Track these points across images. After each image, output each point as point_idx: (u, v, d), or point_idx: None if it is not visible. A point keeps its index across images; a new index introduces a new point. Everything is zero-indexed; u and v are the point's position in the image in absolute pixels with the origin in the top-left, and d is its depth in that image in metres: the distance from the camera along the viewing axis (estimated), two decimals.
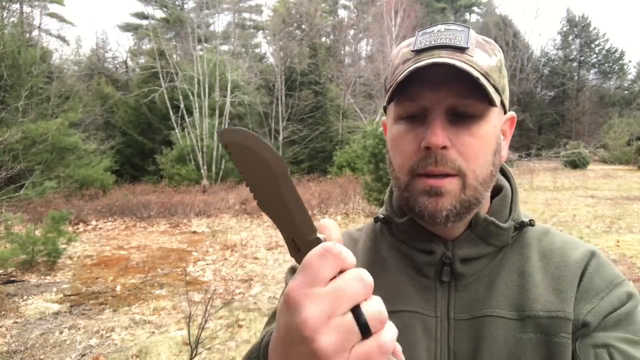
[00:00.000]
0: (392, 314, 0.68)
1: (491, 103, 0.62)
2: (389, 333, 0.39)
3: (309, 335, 0.37)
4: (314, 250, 0.39)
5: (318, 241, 0.41)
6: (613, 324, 0.62)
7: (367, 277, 0.39)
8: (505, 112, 0.71)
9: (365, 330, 0.38)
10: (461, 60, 0.62)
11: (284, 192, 0.41)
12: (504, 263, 0.69)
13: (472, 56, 0.63)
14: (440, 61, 0.60)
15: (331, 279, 0.39)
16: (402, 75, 0.62)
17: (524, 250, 0.70)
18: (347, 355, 0.37)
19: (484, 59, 0.64)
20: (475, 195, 0.65)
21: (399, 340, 0.67)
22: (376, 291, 0.69)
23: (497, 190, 0.72)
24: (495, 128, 0.66)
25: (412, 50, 0.66)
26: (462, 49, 0.63)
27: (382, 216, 0.77)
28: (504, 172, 0.76)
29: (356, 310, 0.38)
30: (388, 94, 0.64)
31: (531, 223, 0.71)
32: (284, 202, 0.42)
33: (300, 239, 0.42)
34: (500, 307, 0.65)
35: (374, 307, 0.39)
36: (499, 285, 0.67)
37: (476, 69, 0.62)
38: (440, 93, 0.62)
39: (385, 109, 0.76)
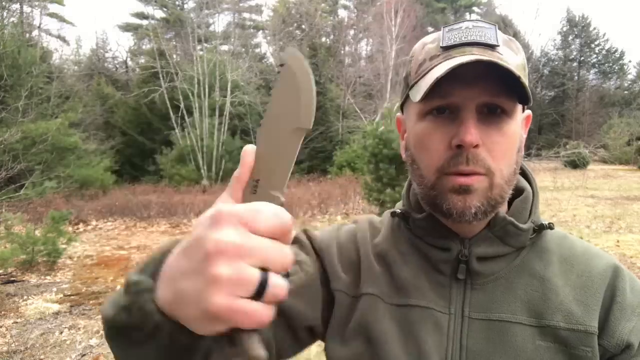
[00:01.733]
0: (405, 307, 0.70)
1: (523, 101, 0.62)
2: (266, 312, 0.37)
3: (212, 254, 0.35)
4: (273, 206, 0.38)
5: (279, 200, 0.40)
6: None
7: (289, 255, 0.38)
8: (523, 111, 0.70)
9: (259, 293, 0.36)
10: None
11: (288, 141, 0.40)
12: (523, 266, 0.69)
13: (502, 54, 0.62)
14: (484, 58, 0.58)
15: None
16: (441, 70, 0.59)
17: (544, 255, 0.70)
18: (228, 299, 0.35)
19: (512, 57, 0.64)
20: (501, 194, 0.65)
21: (409, 334, 0.69)
22: (393, 284, 0.72)
23: (518, 192, 0.72)
24: (519, 126, 0.66)
25: (441, 47, 0.64)
26: (492, 47, 0.62)
27: (400, 211, 0.76)
28: (524, 174, 0.75)
29: (265, 274, 0.36)
30: (422, 92, 0.61)
31: (550, 226, 0.70)
32: (281, 147, 0.40)
33: (265, 185, 0.40)
34: (518, 313, 0.65)
35: (281, 282, 0.37)
36: (517, 289, 0.67)
37: None
38: (472, 90, 0.61)
39: (402, 105, 0.75)
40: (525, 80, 0.61)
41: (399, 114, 0.77)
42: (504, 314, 0.65)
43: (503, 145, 0.63)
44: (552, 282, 0.66)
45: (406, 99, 0.71)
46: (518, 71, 0.62)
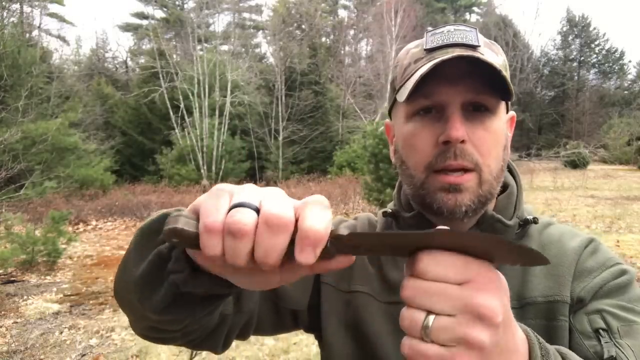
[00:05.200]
0: (397, 305, 0.68)
1: (506, 97, 0.63)
2: None
3: None
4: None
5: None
6: (606, 293, 0.64)
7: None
8: (507, 111, 0.72)
9: None
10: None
11: None
12: None
13: (483, 54, 0.64)
14: (465, 54, 0.60)
15: None
16: (424, 69, 0.61)
17: (526, 242, 0.72)
18: None
19: (493, 57, 0.66)
20: (490, 190, 0.66)
21: (401, 330, 0.68)
22: (384, 284, 0.74)
23: (503, 187, 0.73)
24: (504, 124, 0.68)
25: (425, 49, 0.66)
26: (474, 47, 0.65)
27: (391, 210, 0.78)
28: (509, 169, 0.78)
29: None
30: (407, 91, 0.62)
31: (535, 221, 0.72)
32: None
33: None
34: None
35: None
36: None
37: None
38: (457, 88, 0.63)
39: (390, 110, 0.77)
40: (507, 75, 0.63)
41: (387, 120, 0.79)
42: None
43: (489, 141, 0.65)
44: (531, 268, 0.69)
45: (394, 103, 0.73)
46: (499, 68, 0.64)
